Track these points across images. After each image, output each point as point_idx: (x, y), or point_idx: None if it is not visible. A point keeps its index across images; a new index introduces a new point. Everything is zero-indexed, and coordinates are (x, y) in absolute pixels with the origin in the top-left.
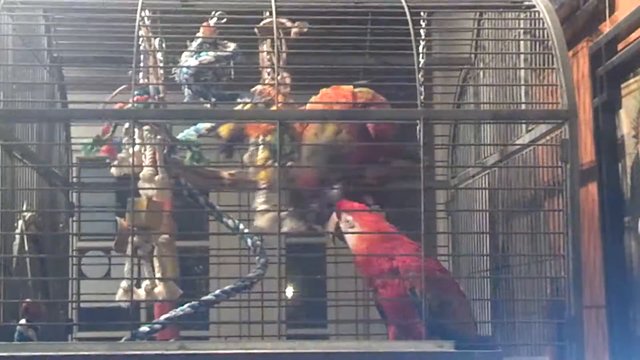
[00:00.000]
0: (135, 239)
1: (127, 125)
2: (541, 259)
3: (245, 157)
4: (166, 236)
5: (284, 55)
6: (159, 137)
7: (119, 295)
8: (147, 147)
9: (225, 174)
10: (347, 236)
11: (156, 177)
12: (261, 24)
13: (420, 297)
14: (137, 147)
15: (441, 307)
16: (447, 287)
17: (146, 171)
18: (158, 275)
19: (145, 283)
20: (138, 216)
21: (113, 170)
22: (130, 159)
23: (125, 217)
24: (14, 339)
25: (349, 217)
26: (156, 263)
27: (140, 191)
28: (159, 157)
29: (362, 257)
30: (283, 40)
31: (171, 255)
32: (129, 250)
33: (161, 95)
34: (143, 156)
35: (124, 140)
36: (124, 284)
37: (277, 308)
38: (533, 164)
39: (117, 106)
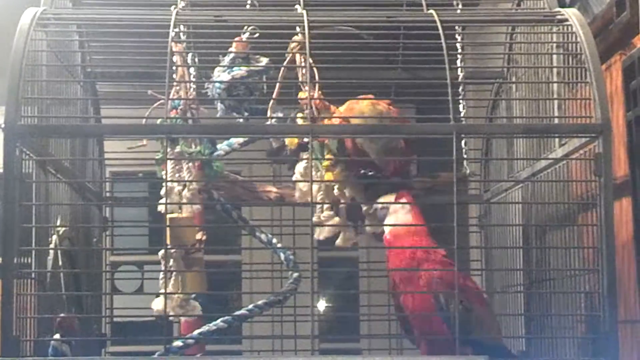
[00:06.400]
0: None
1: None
2: (575, 273)
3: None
4: (176, 251)
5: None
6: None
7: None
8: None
9: (272, 187)
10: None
11: (183, 193)
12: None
13: (443, 305)
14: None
15: (463, 317)
16: (470, 297)
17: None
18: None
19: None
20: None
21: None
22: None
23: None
24: (48, 354)
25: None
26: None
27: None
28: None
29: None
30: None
31: (195, 270)
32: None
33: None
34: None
35: None
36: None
37: (309, 322)
38: (566, 178)
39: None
